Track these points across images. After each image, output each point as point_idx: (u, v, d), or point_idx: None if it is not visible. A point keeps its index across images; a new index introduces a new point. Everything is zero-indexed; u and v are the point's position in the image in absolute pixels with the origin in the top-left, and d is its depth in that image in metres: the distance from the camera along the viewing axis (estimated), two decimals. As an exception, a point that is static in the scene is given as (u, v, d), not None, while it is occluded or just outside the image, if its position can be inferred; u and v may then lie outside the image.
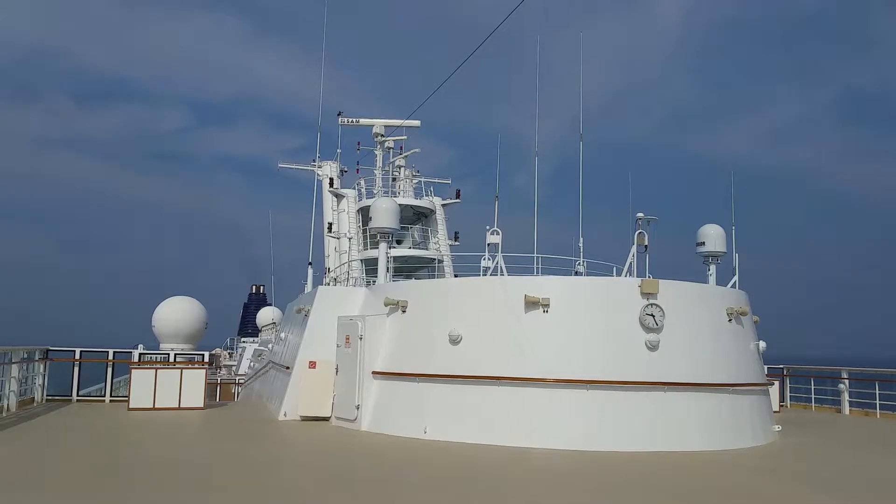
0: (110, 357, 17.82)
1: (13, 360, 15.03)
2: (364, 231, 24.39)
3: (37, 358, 16.69)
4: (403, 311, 13.87)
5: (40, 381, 16.96)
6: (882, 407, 18.46)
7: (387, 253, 15.91)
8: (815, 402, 20.43)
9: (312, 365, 14.79)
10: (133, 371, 16.17)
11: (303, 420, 14.68)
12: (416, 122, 27.01)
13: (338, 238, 26.33)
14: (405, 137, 27.12)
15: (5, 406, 14.73)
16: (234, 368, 45.22)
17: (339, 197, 26.98)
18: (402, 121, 26.98)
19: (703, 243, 15.52)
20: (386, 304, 14.02)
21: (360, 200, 26.02)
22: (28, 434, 12.27)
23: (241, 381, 36.36)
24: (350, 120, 27.43)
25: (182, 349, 25.18)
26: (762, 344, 14.84)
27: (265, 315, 44.61)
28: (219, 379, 38.27)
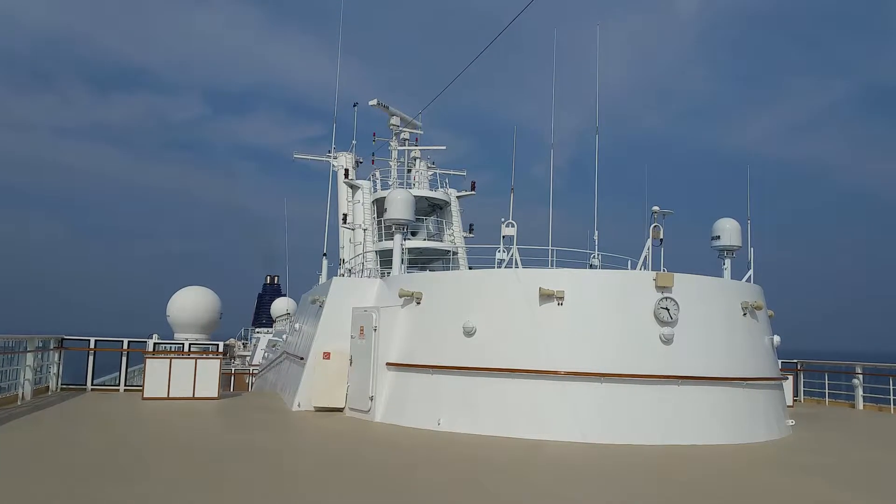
0: (125, 346, 17.92)
1: (28, 349, 15.14)
2: (379, 222, 24.36)
3: (52, 347, 16.81)
4: (418, 303, 13.87)
5: (55, 370, 17.08)
6: None
7: (401, 244, 15.90)
8: (828, 397, 20.29)
9: (326, 356, 14.83)
10: (147, 360, 16.26)
11: (316, 411, 14.72)
12: (442, 147, 27.32)
13: (352, 229, 26.35)
14: (421, 132, 27.09)
15: (20, 394, 14.84)
16: (248, 358, 45.42)
17: (354, 188, 26.98)
18: (412, 121, 27.00)
19: (719, 237, 15.47)
20: (400, 296, 14.03)
21: (375, 192, 25.99)
22: (43, 422, 12.37)
23: (255, 371, 36.52)
24: (380, 104, 27.25)
25: (196, 339, 25.33)
26: (777, 338, 14.77)
27: (279, 305, 44.81)
28: (233, 369, 38.45)
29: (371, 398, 13.69)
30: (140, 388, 16.58)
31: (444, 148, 27.54)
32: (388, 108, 26.74)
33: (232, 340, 49.30)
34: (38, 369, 16.06)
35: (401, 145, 26.67)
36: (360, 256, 22.91)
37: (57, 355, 17.10)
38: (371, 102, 26.59)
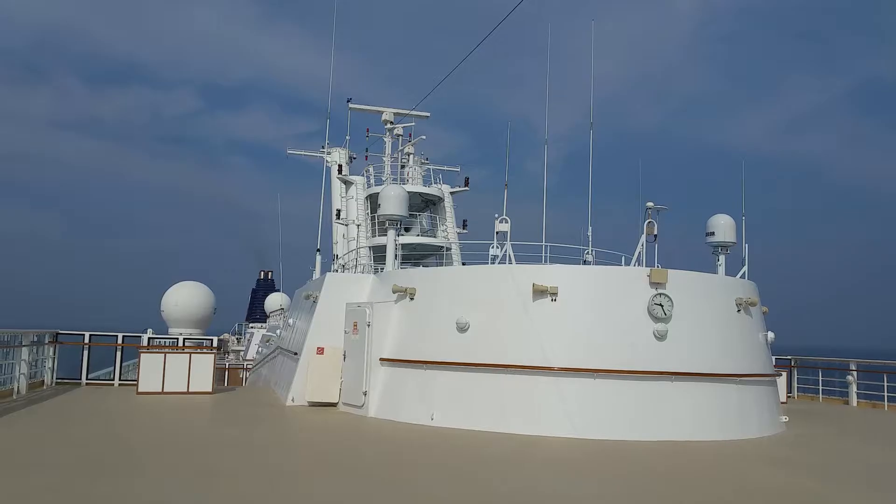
0: (119, 341, 17.91)
1: (23, 343, 15.13)
2: (372, 218, 24.35)
3: (46, 341, 16.79)
4: (411, 299, 13.87)
5: (50, 365, 17.08)
6: (890, 399, 18.40)
7: (395, 240, 15.90)
8: (822, 394, 20.37)
9: (320, 351, 14.83)
10: (142, 355, 16.25)
11: (310, 406, 14.73)
12: (426, 114, 27.01)
13: (346, 225, 26.33)
14: (413, 123, 27.06)
15: (15, 389, 14.83)
16: (242, 353, 45.40)
17: (347, 184, 26.95)
18: (413, 111, 26.93)
19: (713, 233, 15.49)
20: (394, 291, 14.03)
21: (368, 187, 25.99)
22: (38, 417, 12.35)
23: (248, 366, 36.51)
24: (361, 107, 27.30)
25: (191, 334, 25.28)
26: (770, 335, 14.81)
27: (273, 301, 44.73)
28: (227, 364, 38.47)
29: (364, 393, 13.70)
30: (134, 382, 16.56)
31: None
32: (391, 122, 26.74)
33: (226, 335, 49.32)
34: (34, 364, 16.05)
35: (394, 141, 26.66)
36: (354, 252, 22.91)
37: (52, 350, 17.09)
38: (352, 106, 26.71)
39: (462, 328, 12.93)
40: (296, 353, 16.02)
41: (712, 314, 13.27)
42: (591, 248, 16.27)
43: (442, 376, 12.92)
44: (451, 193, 26.67)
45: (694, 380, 12.45)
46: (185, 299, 30.87)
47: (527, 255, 14.02)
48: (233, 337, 51.60)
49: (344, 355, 14.58)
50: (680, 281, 12.92)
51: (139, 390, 15.84)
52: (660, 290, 12.64)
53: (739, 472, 9.63)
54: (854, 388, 19.40)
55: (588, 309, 12.72)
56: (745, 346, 13.52)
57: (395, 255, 15.85)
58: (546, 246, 14.08)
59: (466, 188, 27.23)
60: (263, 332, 39.24)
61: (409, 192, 17.65)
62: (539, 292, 12.66)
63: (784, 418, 14.01)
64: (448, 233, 25.74)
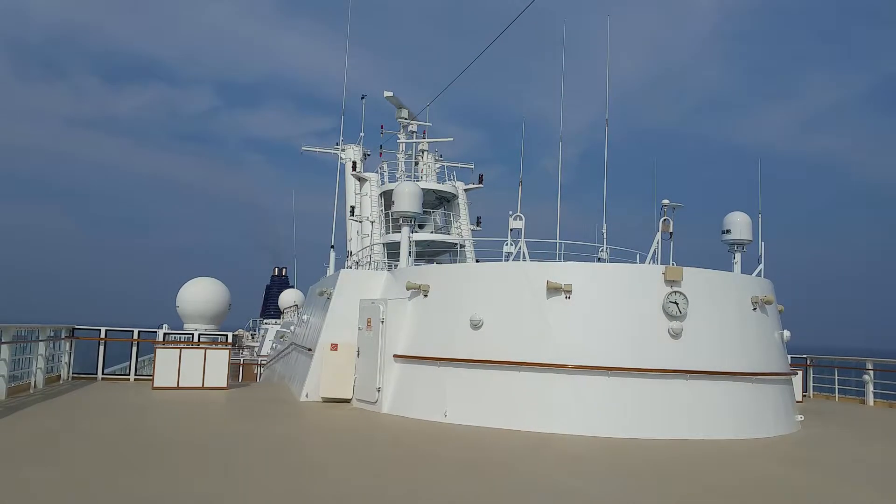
0: (135, 336, 18.03)
1: (40, 339, 15.25)
2: (386, 215, 24.40)
3: (63, 336, 16.93)
4: (425, 296, 13.88)
5: (66, 360, 17.22)
6: None
7: (409, 237, 15.91)
8: (838, 393, 20.23)
9: (334, 347, 14.87)
10: (157, 350, 16.36)
11: (324, 401, 14.78)
12: (450, 139, 27.36)
13: (360, 221, 26.39)
14: (430, 124, 27.11)
15: (32, 383, 14.96)
16: (256, 349, 45.58)
17: (361, 180, 27.01)
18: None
19: (729, 231, 15.42)
20: (408, 288, 14.04)
21: (382, 184, 26.04)
22: (54, 411, 12.45)
23: (263, 361, 36.65)
24: (394, 98, 27.22)
25: (206, 329, 25.39)
26: (786, 333, 14.72)
27: (287, 297, 44.90)
28: (241, 359, 38.62)
29: (378, 390, 13.73)
30: (150, 377, 16.68)
31: (451, 140, 27.58)
32: (401, 103, 26.75)
33: (240, 331, 49.49)
34: (50, 358, 16.19)
35: (409, 138, 26.68)
36: (368, 249, 22.95)
37: (68, 345, 17.23)
38: (386, 94, 26.56)
39: (476, 325, 12.92)
40: (310, 349, 16.07)
41: (728, 312, 13.19)
42: (605, 246, 16.21)
43: (455, 373, 12.91)
44: (466, 190, 26.68)
45: (709, 378, 12.39)
46: (200, 295, 30.97)
47: (541, 253, 14.01)
48: (247, 333, 51.81)
49: (358, 351, 14.61)
50: (695, 279, 12.85)
51: (154, 385, 15.95)
52: (675, 288, 12.58)
53: (751, 470, 9.57)
54: (871, 387, 19.26)
55: (602, 307, 12.68)
56: (760, 345, 13.44)
57: (409, 252, 15.86)
58: (560, 243, 14.06)
59: (481, 185, 27.24)
60: (278, 328, 39.37)
61: (423, 188, 17.66)
62: (553, 290, 12.63)
63: (799, 417, 13.92)
64: (462, 230, 25.75)
